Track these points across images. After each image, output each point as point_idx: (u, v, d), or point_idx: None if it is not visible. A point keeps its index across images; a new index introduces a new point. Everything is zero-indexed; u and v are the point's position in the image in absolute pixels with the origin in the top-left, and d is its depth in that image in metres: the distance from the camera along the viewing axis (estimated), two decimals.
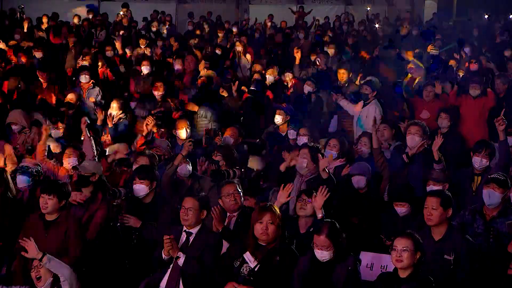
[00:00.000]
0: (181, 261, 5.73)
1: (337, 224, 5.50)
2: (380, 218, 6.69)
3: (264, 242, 5.51)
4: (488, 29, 18.23)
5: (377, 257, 6.04)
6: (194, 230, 5.97)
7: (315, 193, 6.17)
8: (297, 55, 12.39)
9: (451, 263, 5.53)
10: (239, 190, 6.39)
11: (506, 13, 21.51)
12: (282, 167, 7.41)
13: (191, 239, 5.93)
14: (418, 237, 5.14)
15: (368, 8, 22.37)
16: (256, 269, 5.43)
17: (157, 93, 10.13)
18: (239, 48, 13.80)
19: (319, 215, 6.09)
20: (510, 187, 6.20)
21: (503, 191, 6.11)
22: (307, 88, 10.56)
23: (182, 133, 8.66)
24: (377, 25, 19.79)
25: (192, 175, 7.45)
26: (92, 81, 10.85)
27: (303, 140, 8.37)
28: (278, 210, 5.63)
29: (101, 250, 6.34)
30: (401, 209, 6.39)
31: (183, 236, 5.96)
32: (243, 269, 5.47)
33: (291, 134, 8.98)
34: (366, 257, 6.02)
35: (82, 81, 10.83)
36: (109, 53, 13.58)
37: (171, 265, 5.81)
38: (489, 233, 6.12)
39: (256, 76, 11.56)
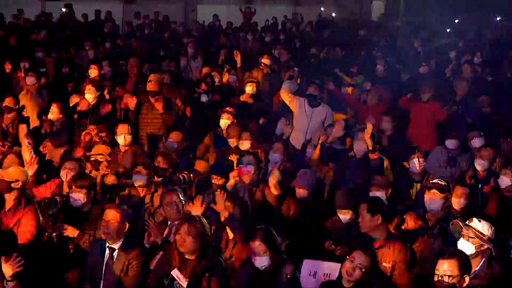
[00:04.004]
0: None
1: (271, 229, 5.40)
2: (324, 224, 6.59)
3: (187, 255, 5.30)
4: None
5: (320, 265, 5.93)
6: (116, 245, 5.72)
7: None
8: (237, 58, 12.22)
9: (390, 271, 5.48)
10: (181, 198, 6.22)
11: (455, 15, 21.84)
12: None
13: (115, 255, 5.69)
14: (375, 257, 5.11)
15: (322, 9, 22.48)
16: None
17: (89, 96, 9.79)
18: (190, 49, 13.64)
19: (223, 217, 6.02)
20: (452, 192, 6.24)
21: (444, 197, 6.14)
22: (249, 89, 10.43)
23: (120, 139, 8.32)
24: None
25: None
26: (37, 84, 10.52)
27: (245, 145, 8.22)
28: (202, 221, 5.41)
29: (35, 259, 6.10)
30: (345, 216, 6.32)
31: (107, 252, 5.72)
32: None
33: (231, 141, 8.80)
34: (309, 265, 5.88)
35: (28, 83, 10.50)
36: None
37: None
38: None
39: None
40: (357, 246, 5.18)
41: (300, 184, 6.97)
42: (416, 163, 7.25)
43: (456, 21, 21.14)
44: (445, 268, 4.62)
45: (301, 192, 6.94)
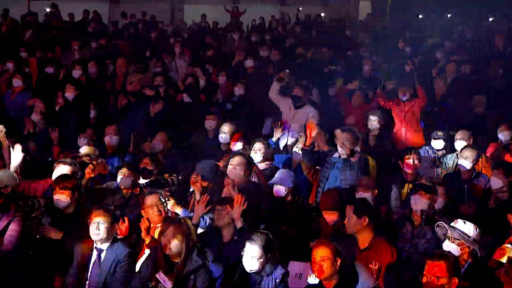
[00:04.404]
0: None
1: (270, 235, 5.35)
2: (311, 226, 6.56)
3: (172, 258, 5.26)
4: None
5: (306, 267, 5.90)
6: (104, 246, 5.69)
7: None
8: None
9: (376, 272, 5.45)
10: (163, 201, 6.17)
11: (442, 14, 21.89)
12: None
13: (103, 256, 5.66)
14: (334, 244, 5.07)
15: (300, 9, 22.49)
16: None
17: (68, 95, 9.72)
18: (177, 49, 13.57)
19: (239, 225, 5.91)
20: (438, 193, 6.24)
21: (430, 197, 6.12)
22: (238, 90, 10.39)
23: (108, 140, 8.27)
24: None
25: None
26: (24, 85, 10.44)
27: (238, 145, 8.18)
28: (187, 223, 5.37)
29: (19, 262, 6.03)
30: (331, 217, 6.28)
31: (94, 254, 5.69)
32: None
33: (223, 139, 8.78)
34: (295, 267, 5.83)
35: (14, 85, 10.41)
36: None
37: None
38: (417, 239, 6.10)
39: (189, 79, 11.33)
40: (342, 248, 5.15)
41: (276, 180, 6.94)
42: (411, 164, 7.22)
43: (449, 15, 21.13)
44: (434, 270, 4.63)
45: (279, 189, 6.91)
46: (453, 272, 4.68)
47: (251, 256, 5.20)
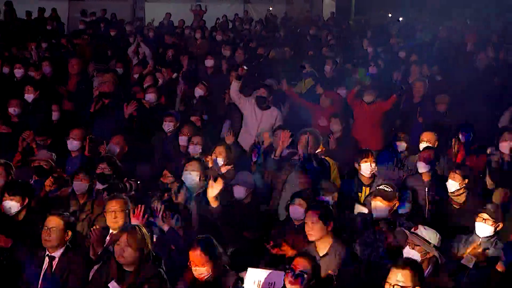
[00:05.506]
0: None
1: (212, 238, 5.24)
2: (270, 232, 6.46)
3: (126, 267, 5.09)
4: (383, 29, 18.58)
5: (265, 274, 5.79)
6: (57, 253, 5.53)
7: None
8: (184, 62, 11.98)
9: (334, 279, 5.35)
10: (123, 208, 5.96)
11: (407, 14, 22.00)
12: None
13: (54, 264, 5.50)
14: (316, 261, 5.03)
15: (270, 8, 22.39)
16: None
17: (28, 96, 9.47)
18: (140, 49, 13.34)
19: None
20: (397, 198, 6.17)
21: (389, 204, 6.05)
22: (198, 92, 10.23)
23: (70, 144, 8.05)
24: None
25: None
26: None
27: (196, 149, 8.02)
28: (142, 230, 5.19)
29: None
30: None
31: (46, 261, 5.53)
32: None
33: (182, 140, 8.60)
34: (253, 274, 5.71)
35: None
36: None
37: None
38: (379, 243, 5.99)
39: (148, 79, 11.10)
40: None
41: (237, 181, 6.83)
42: (368, 168, 7.11)
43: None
44: (398, 278, 4.55)
45: (238, 190, 6.79)
46: (418, 281, 4.60)
47: (196, 262, 5.09)
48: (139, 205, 5.94)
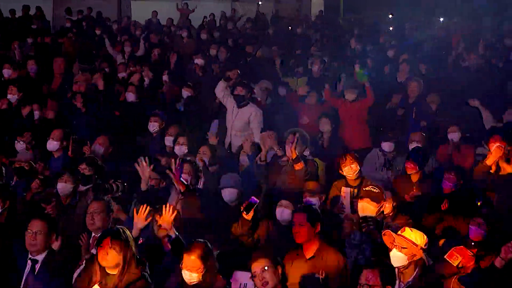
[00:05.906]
0: None
1: (209, 244, 5.12)
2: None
3: (109, 270, 4.96)
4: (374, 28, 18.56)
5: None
6: (40, 257, 5.43)
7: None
8: (172, 60, 11.86)
9: (321, 282, 5.31)
10: (101, 209, 5.85)
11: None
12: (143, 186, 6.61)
13: (37, 268, 5.40)
14: (269, 252, 5.03)
15: (259, 2, 22.35)
16: None
17: (12, 97, 9.35)
18: (127, 48, 13.29)
19: (172, 236, 5.59)
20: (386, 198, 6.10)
21: (377, 205, 6.00)
22: (185, 93, 10.13)
23: (50, 145, 7.95)
24: None
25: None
26: None
27: (182, 150, 7.96)
28: (126, 233, 5.05)
29: None
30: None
31: (28, 265, 5.42)
32: None
33: (168, 140, 8.50)
34: (240, 277, 5.68)
35: None
36: None
37: None
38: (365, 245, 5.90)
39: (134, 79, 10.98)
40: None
41: (227, 183, 6.71)
42: (349, 170, 6.97)
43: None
44: (368, 278, 4.59)
45: (228, 192, 6.69)
46: (387, 281, 4.64)
47: (190, 267, 4.96)
48: (144, 205, 5.82)
